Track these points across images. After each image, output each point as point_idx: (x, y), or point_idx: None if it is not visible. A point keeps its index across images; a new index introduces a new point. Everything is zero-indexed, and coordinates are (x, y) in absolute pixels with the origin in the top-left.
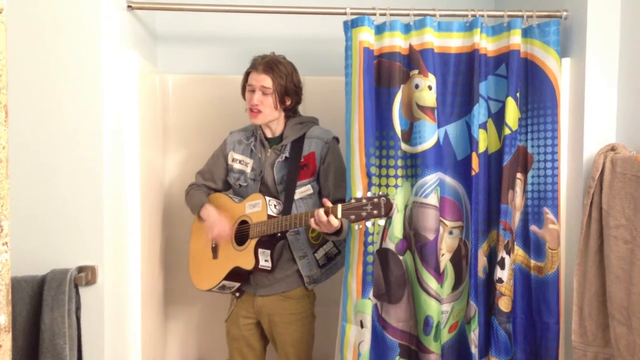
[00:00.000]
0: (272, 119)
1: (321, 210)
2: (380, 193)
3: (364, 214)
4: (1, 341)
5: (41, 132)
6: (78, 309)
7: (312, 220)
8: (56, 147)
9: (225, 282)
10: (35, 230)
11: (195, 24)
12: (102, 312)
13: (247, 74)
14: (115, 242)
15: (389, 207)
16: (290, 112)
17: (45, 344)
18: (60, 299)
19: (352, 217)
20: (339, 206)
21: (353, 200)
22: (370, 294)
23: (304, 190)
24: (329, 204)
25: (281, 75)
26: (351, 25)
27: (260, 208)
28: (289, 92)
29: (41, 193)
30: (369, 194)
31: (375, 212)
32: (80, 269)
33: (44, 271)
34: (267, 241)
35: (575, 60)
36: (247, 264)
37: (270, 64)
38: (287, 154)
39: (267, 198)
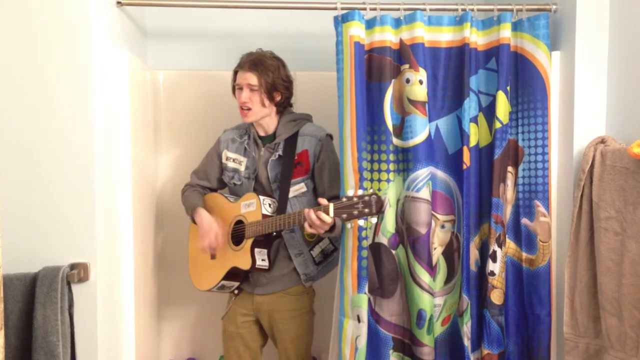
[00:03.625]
0: (263, 116)
1: (311, 211)
2: (372, 190)
3: (355, 212)
4: None
5: (32, 130)
6: (71, 306)
7: (305, 224)
8: (47, 145)
9: (224, 282)
10: (27, 227)
11: (185, 19)
12: (95, 309)
13: (235, 73)
14: (107, 239)
15: (379, 204)
16: (282, 108)
17: (38, 341)
18: (53, 296)
19: (344, 215)
20: (331, 205)
21: (344, 199)
22: (366, 289)
23: (297, 188)
24: (324, 202)
25: (267, 72)
26: (342, 20)
27: (254, 208)
28: (277, 87)
29: (32, 190)
30: (360, 192)
31: (366, 210)
32: (73, 266)
33: (36, 268)
34: (263, 240)
35: (565, 53)
36: (244, 264)
37: (255, 62)
38: (280, 152)
39: (262, 197)
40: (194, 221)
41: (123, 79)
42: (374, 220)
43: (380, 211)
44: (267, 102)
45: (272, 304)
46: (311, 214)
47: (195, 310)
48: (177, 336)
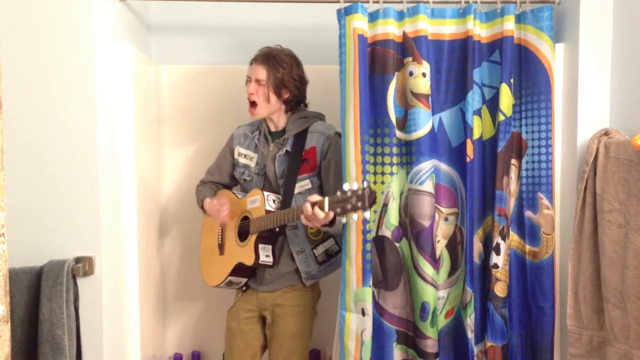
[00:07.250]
0: (270, 112)
1: (307, 204)
2: (365, 184)
3: (349, 206)
4: (0, 331)
5: (36, 124)
6: (76, 299)
7: (302, 216)
8: (52, 139)
9: (232, 278)
10: (33, 221)
11: (189, 14)
12: (100, 302)
13: (251, 65)
14: (112, 233)
15: (372, 197)
16: (291, 106)
17: (44, 334)
18: (58, 290)
19: (339, 210)
20: (326, 199)
21: (339, 193)
22: (370, 282)
23: (303, 184)
24: (314, 198)
25: (278, 67)
26: (344, 13)
27: (259, 204)
28: (286, 84)
29: (37, 184)
30: (354, 185)
31: (359, 204)
32: (78, 260)
33: (42, 262)
34: (268, 236)
35: (569, 45)
36: (248, 259)
37: (267, 56)
38: (288, 147)
39: (266, 193)
40: (205, 213)
41: (127, 74)
42: (367, 214)
43: (372, 204)
44: (272, 98)
45: (276, 299)
46: (307, 206)
47: (200, 304)
48: (182, 330)
